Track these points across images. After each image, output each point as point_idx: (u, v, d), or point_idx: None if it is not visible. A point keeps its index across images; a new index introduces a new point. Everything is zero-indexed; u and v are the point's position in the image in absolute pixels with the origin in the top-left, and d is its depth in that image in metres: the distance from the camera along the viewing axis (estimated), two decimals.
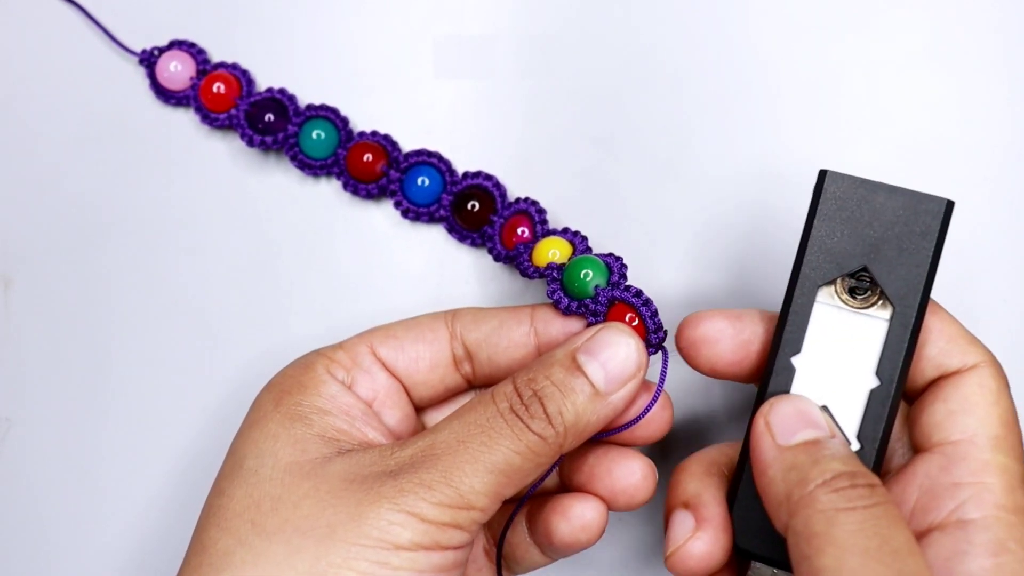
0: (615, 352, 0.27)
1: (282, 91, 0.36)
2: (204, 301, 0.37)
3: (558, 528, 0.29)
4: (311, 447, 0.27)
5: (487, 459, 0.26)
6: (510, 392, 0.27)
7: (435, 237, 0.36)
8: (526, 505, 0.31)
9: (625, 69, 0.36)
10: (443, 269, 0.36)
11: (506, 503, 0.28)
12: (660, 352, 0.29)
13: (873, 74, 0.35)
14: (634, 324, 0.29)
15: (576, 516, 0.29)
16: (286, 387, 0.30)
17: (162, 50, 0.37)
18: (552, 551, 0.31)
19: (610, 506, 0.29)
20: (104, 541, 0.37)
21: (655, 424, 0.29)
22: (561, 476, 0.31)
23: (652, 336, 0.29)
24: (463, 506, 0.25)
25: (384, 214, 0.36)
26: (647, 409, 0.29)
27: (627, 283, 0.30)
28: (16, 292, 0.37)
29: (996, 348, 0.34)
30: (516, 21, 0.36)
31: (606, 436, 0.29)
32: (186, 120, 0.37)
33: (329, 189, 0.36)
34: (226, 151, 0.37)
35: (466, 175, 0.35)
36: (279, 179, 0.36)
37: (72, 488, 0.37)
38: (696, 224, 0.35)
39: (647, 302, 0.29)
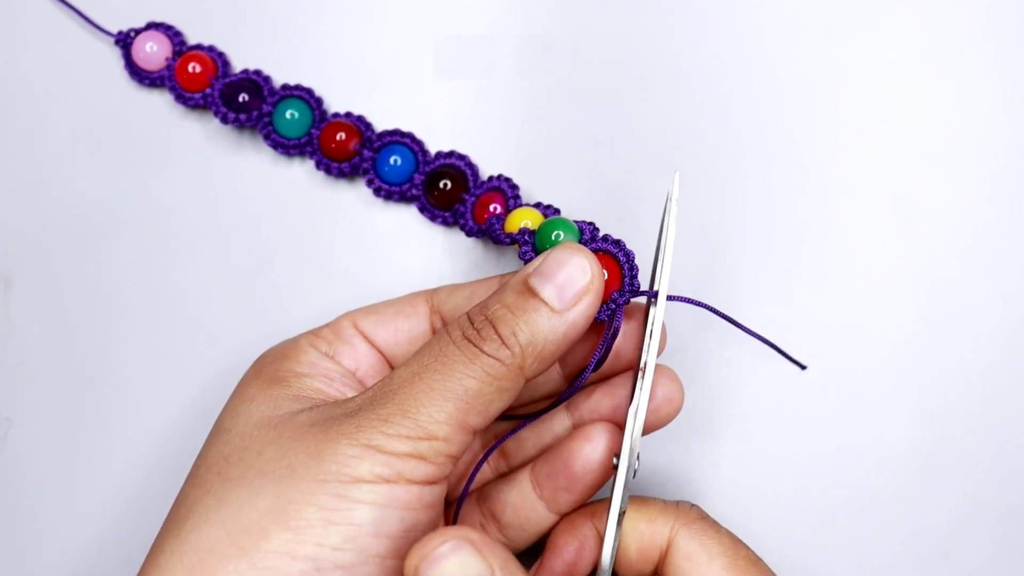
0: (566, 269, 0.27)
1: (257, 72, 0.36)
2: (187, 286, 0.37)
3: (581, 451, 0.29)
4: (284, 404, 0.27)
5: (442, 387, 0.25)
6: (463, 321, 0.27)
7: (407, 217, 0.36)
8: (535, 462, 0.31)
9: (626, 68, 0.36)
10: (415, 246, 0.36)
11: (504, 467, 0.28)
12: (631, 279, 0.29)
13: (873, 74, 0.35)
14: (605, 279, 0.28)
15: (597, 436, 0.29)
16: (268, 358, 0.30)
17: (138, 31, 0.37)
18: (568, 490, 0.30)
19: (648, 422, 0.29)
20: (105, 541, 0.36)
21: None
22: (580, 415, 0.31)
23: (629, 282, 0.29)
24: (423, 436, 0.25)
25: (357, 194, 0.36)
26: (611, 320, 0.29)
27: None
28: (16, 292, 0.37)
29: (995, 348, 0.35)
30: (516, 21, 0.36)
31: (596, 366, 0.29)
32: (161, 102, 0.37)
33: (302, 170, 0.36)
34: (201, 132, 0.37)
35: (439, 155, 0.35)
36: (252, 160, 0.37)
37: (72, 488, 0.36)
38: (696, 224, 0.35)
39: (621, 246, 0.29)
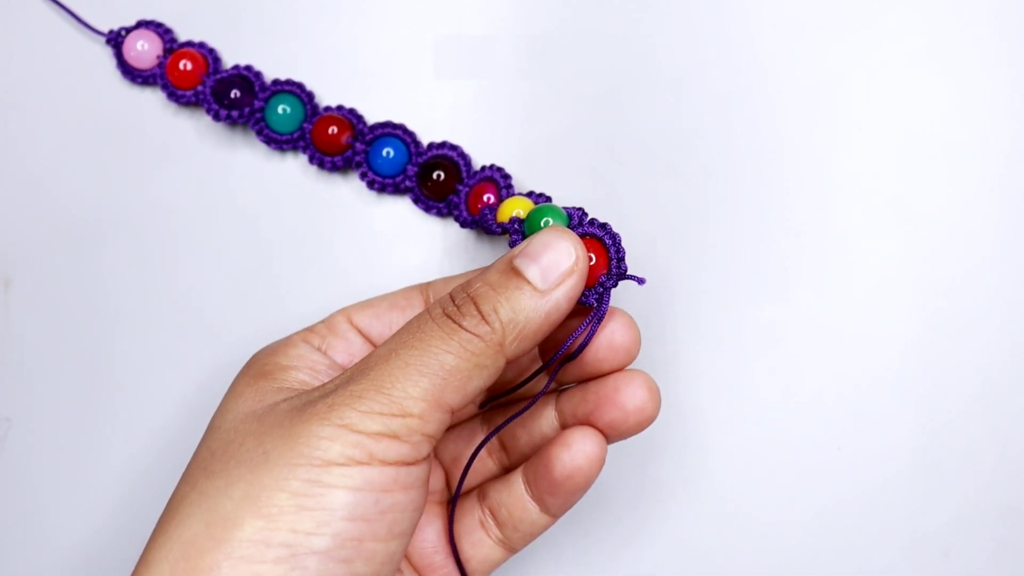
0: (551, 250, 0.27)
1: (248, 68, 0.36)
2: (184, 283, 0.36)
3: (559, 458, 0.29)
4: (268, 396, 0.27)
5: (418, 362, 0.25)
6: (444, 299, 0.27)
7: (402, 209, 0.36)
8: (525, 463, 0.31)
9: (625, 69, 0.36)
10: (411, 239, 0.36)
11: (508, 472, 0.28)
12: (618, 267, 0.29)
13: (873, 74, 0.35)
14: (593, 264, 0.29)
15: (576, 443, 0.29)
16: (259, 355, 0.30)
17: (129, 30, 0.37)
18: (552, 494, 0.29)
19: (620, 430, 0.29)
20: (105, 540, 0.36)
21: (621, 345, 0.29)
22: (564, 417, 0.31)
23: (616, 265, 0.29)
24: (397, 413, 0.25)
25: (351, 187, 0.36)
26: (596, 303, 0.28)
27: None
28: (16, 292, 0.37)
29: (995, 348, 0.34)
30: (516, 21, 0.36)
31: (576, 355, 0.29)
32: (153, 100, 0.37)
33: (295, 165, 0.36)
34: (193, 129, 0.37)
35: (431, 145, 0.35)
36: (245, 155, 0.36)
37: (72, 488, 0.36)
38: (696, 225, 0.35)
39: (607, 229, 0.29)
